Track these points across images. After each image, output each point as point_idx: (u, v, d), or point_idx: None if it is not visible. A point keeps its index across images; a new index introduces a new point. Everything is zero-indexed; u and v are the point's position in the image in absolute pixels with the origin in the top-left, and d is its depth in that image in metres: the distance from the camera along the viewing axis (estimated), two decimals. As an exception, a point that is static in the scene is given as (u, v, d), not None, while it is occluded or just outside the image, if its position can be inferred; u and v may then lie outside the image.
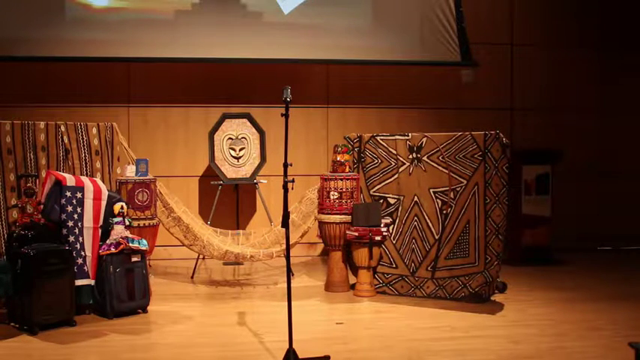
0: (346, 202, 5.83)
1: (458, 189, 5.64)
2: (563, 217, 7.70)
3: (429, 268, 5.72)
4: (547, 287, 6.10)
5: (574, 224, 8.02)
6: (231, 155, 7.04)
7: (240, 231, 6.64)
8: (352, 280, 5.95)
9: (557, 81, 8.35)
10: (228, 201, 7.38)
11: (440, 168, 5.74)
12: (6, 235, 5.18)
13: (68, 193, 4.98)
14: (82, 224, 5.01)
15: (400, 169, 5.94)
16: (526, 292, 5.88)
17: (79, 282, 4.89)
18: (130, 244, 5.08)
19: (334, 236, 5.87)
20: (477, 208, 5.53)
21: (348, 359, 4.11)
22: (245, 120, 7.13)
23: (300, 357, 3.82)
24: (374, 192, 6.06)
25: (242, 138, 7.10)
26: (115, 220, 5.14)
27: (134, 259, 5.10)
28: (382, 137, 6.05)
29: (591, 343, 4.41)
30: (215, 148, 7.00)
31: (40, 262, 4.58)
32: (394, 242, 5.93)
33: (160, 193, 5.99)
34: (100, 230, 5.12)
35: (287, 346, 3.82)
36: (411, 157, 5.89)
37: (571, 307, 5.37)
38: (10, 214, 5.39)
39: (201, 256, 6.55)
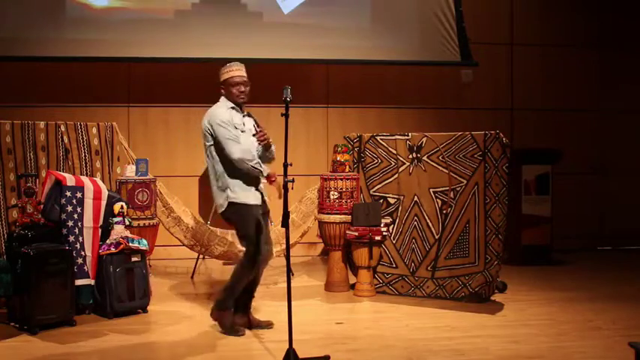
0: (346, 202, 5.83)
1: (458, 189, 5.64)
2: (563, 217, 7.70)
3: (429, 268, 5.72)
4: (547, 287, 6.10)
5: (574, 224, 8.03)
6: (231, 155, 7.01)
7: (241, 231, 6.63)
8: (352, 280, 5.95)
9: (557, 81, 8.36)
10: (228, 201, 7.36)
11: (440, 168, 5.74)
12: (6, 235, 5.18)
13: (68, 193, 4.97)
14: (82, 224, 5.01)
15: (400, 169, 5.94)
16: (526, 292, 5.87)
17: (79, 282, 4.88)
18: (130, 244, 5.07)
19: (334, 236, 5.87)
20: (477, 208, 5.52)
21: (348, 359, 4.11)
22: (245, 120, 7.11)
23: (300, 357, 3.82)
24: (374, 192, 6.06)
25: (242, 138, 7.07)
26: (115, 219, 5.13)
27: (134, 259, 5.10)
28: (382, 137, 6.05)
29: (591, 343, 4.40)
30: (215, 148, 6.98)
31: (40, 262, 4.58)
32: (394, 242, 5.92)
33: (160, 193, 6.00)
34: (100, 230, 5.11)
35: (287, 346, 3.82)
36: (411, 156, 5.89)
37: (571, 307, 5.37)
38: (10, 214, 5.38)
39: (201, 256, 6.55)
